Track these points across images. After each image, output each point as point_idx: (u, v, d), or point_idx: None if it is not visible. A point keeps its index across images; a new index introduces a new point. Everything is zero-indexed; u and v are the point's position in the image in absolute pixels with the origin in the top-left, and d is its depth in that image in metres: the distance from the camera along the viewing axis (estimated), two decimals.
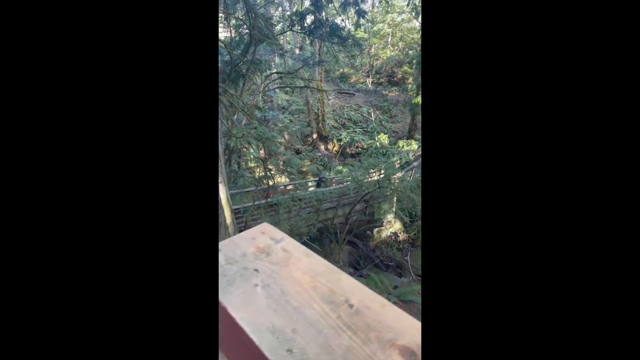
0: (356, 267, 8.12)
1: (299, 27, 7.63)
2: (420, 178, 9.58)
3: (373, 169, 7.45)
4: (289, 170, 11.59)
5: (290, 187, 9.06)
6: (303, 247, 0.46)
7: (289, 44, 17.18)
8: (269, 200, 6.51)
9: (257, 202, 6.36)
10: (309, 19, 7.51)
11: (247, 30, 6.37)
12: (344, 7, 7.52)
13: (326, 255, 8.19)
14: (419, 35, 15.36)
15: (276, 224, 6.28)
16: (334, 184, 9.24)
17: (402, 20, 19.10)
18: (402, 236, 9.15)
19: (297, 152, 14.04)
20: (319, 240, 8.45)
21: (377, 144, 13.88)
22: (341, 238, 7.51)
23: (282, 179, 10.22)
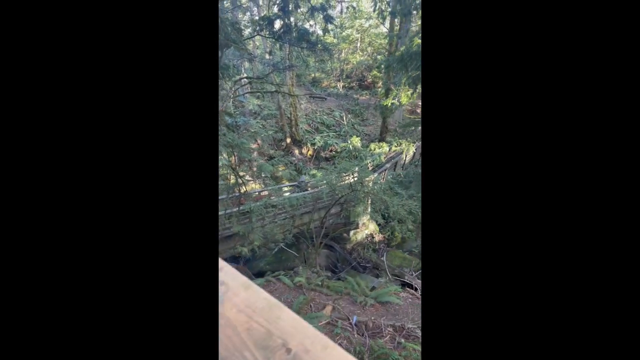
0: (334, 271, 8.11)
1: (267, 32, 7.56)
2: (391, 180, 9.79)
3: (345, 173, 7.51)
4: (263, 176, 11.41)
5: (265, 193, 8.91)
6: (243, 278, 0.41)
7: (258, 48, 17.02)
8: (241, 207, 6.35)
9: (228, 211, 6.17)
10: (278, 23, 7.47)
11: None
12: (312, 12, 7.56)
13: (304, 259, 8.11)
14: (386, 41, 15.81)
15: (250, 232, 6.12)
16: (309, 189, 9.21)
17: (370, 26, 19.59)
18: (377, 237, 9.27)
19: (271, 157, 13.88)
20: (295, 245, 8.36)
21: (350, 146, 14.05)
22: (317, 242, 7.48)
23: (255, 185, 10.02)
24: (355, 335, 3.58)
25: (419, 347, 3.32)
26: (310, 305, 4.33)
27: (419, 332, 3.74)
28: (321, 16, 7.66)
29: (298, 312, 3.99)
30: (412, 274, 7.56)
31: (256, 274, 7.10)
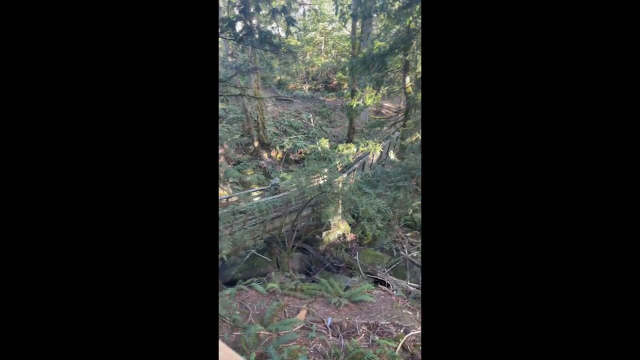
0: (308, 273, 8.07)
1: (229, 34, 7.37)
2: (360, 180, 9.96)
3: (315, 175, 7.51)
4: (230, 181, 11.08)
5: (233, 199, 8.66)
6: None
7: (220, 51, 16.58)
8: None
9: None
10: (239, 25, 7.31)
11: None
12: (273, 14, 7.49)
13: (277, 264, 7.98)
14: (349, 43, 16.11)
15: (218, 239, 5.91)
16: (280, 192, 9.10)
17: (333, 28, 19.86)
18: (349, 237, 9.38)
19: (238, 162, 13.55)
20: (267, 250, 8.21)
21: (319, 148, 14.12)
22: (289, 246, 7.40)
23: (222, 192, 9.71)
24: (330, 337, 3.57)
25: (392, 344, 3.39)
26: (284, 311, 4.26)
27: (392, 328, 3.82)
28: (283, 18, 7.62)
29: (271, 320, 3.90)
30: (384, 271, 7.73)
31: (227, 283, 6.87)
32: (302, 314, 4.11)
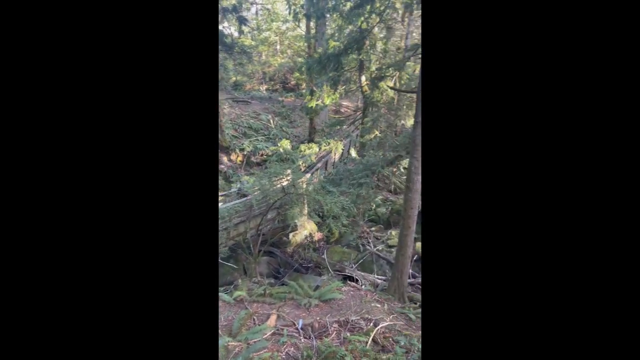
0: (276, 276, 7.94)
1: None
2: (323, 179, 10.04)
3: (277, 177, 7.41)
4: None
5: None
6: None
7: None
8: None
9: None
10: None
11: None
12: (224, 14, 7.24)
13: (243, 271, 7.75)
14: (305, 43, 16.13)
15: None
16: (246, 196, 8.83)
17: (287, 28, 19.76)
18: (316, 236, 9.41)
19: None
20: (233, 257, 7.93)
21: (281, 149, 13.97)
22: (256, 251, 7.22)
23: None
24: (302, 340, 3.54)
25: (363, 338, 3.45)
26: (254, 319, 4.13)
27: (362, 323, 3.89)
28: (235, 18, 7.40)
29: (240, 330, 3.76)
30: (352, 267, 7.87)
31: None
32: (272, 320, 4.02)
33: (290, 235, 9.11)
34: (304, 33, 16.50)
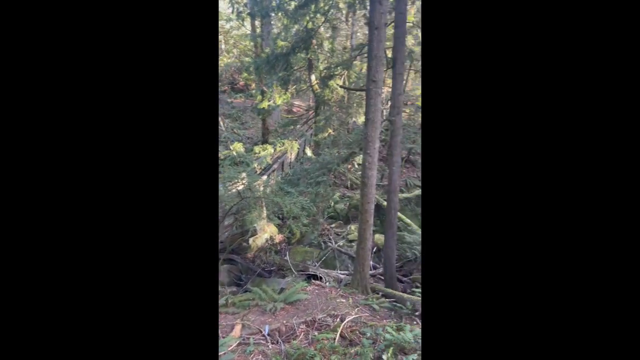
0: (239, 284, 7.68)
1: None
2: (281, 180, 9.93)
3: (232, 181, 7.15)
4: None
5: None
6: None
7: None
8: None
9: None
10: None
11: None
12: None
13: None
14: (251, 42, 15.75)
15: None
16: None
17: (232, 27, 19.10)
18: (277, 238, 9.28)
19: None
20: None
21: (234, 153, 13.49)
22: None
23: None
24: (270, 346, 3.47)
25: (331, 335, 3.48)
26: (217, 332, 3.95)
27: (329, 320, 3.93)
28: None
29: None
30: (315, 265, 7.91)
31: None
32: (237, 330, 3.88)
33: (250, 240, 8.86)
34: (249, 32, 16.09)
